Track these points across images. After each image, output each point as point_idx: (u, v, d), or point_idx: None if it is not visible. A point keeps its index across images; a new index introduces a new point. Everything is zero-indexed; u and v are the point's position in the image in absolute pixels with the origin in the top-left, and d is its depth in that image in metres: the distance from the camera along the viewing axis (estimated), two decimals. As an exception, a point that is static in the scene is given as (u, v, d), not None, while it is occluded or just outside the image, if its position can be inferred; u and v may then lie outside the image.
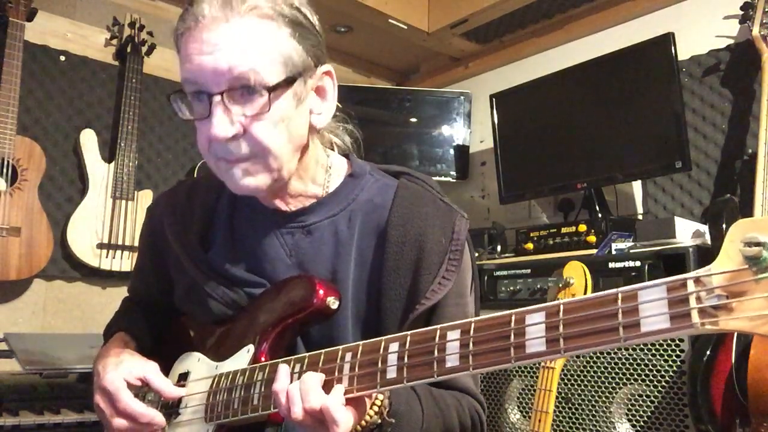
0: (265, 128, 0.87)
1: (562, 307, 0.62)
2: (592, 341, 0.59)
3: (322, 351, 0.81)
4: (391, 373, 0.73)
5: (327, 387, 0.78)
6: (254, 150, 0.88)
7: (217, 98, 0.86)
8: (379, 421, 0.83)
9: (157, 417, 0.93)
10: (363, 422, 0.81)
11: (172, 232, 1.06)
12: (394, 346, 0.74)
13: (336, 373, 0.78)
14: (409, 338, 0.73)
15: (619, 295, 0.58)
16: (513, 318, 0.65)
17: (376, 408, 0.82)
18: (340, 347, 0.80)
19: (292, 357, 0.85)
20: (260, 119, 0.87)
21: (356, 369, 0.76)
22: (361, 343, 0.78)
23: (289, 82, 0.88)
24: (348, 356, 0.78)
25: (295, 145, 0.92)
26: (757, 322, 0.51)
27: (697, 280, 0.54)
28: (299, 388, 0.78)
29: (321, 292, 0.90)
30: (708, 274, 0.54)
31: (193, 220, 1.06)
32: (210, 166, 0.94)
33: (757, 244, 0.51)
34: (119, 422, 0.93)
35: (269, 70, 0.86)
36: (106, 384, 0.93)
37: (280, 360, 0.86)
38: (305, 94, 0.92)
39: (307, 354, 0.83)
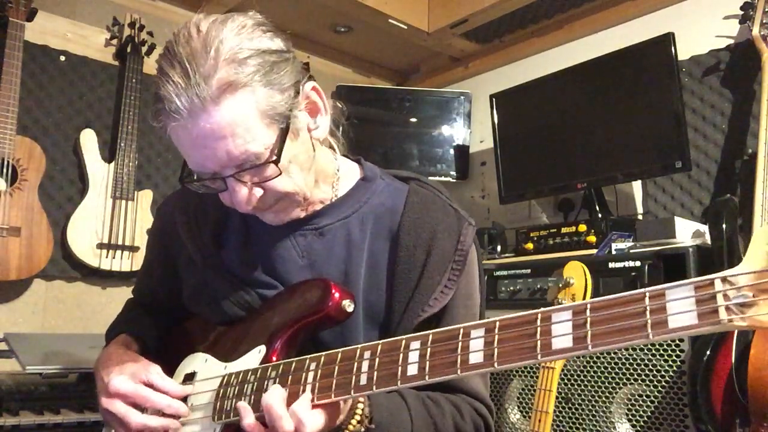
0: (281, 181, 0.91)
1: (589, 305, 0.64)
2: (620, 337, 0.61)
3: (340, 350, 0.81)
4: (413, 371, 0.73)
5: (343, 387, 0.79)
6: (279, 197, 0.93)
7: (230, 178, 0.89)
8: (363, 429, 0.84)
9: (182, 407, 0.95)
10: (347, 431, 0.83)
11: (186, 230, 1.07)
12: (415, 344, 0.75)
13: (354, 371, 0.78)
14: (431, 337, 0.74)
15: (647, 294, 0.60)
16: (539, 316, 0.67)
17: (357, 417, 0.84)
18: (359, 346, 0.80)
19: (308, 356, 0.84)
20: (275, 177, 0.90)
21: (375, 368, 0.76)
22: (380, 342, 0.78)
23: (284, 132, 0.88)
24: (367, 354, 0.78)
25: (308, 169, 0.96)
26: None
27: (724, 280, 0.56)
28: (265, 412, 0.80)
29: (336, 295, 0.90)
30: (735, 274, 0.56)
31: (206, 219, 1.07)
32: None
33: None
34: (139, 420, 0.93)
35: (264, 139, 0.87)
36: (118, 386, 0.94)
37: (294, 359, 0.86)
38: (300, 123, 0.93)
39: (323, 353, 0.83)
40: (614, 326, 0.61)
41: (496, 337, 0.68)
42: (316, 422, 0.78)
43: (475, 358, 0.69)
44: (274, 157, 0.87)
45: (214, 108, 0.83)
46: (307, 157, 0.95)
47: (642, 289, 0.61)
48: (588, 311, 0.63)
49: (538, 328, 0.66)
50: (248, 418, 0.83)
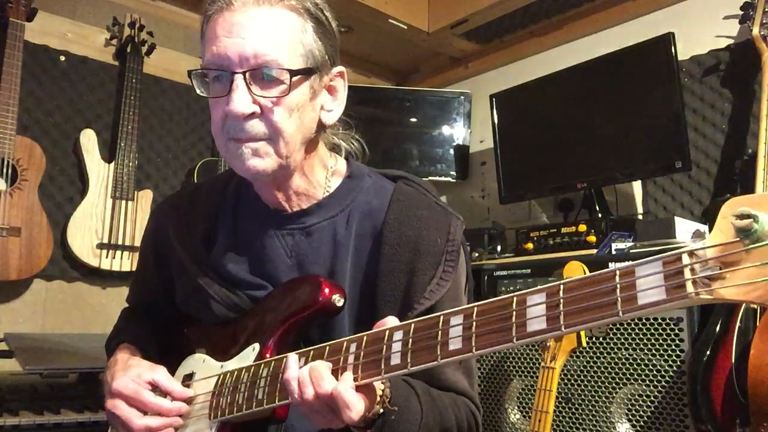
0: (281, 112, 0.91)
1: (562, 286, 0.64)
2: (591, 316, 0.61)
3: (326, 344, 0.82)
4: (395, 359, 0.74)
5: (334, 375, 0.78)
6: (267, 131, 0.91)
7: (239, 77, 0.89)
8: (382, 409, 0.83)
9: (183, 408, 0.96)
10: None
11: (176, 235, 1.07)
12: (398, 335, 0.75)
13: (341, 364, 0.79)
14: (412, 326, 0.75)
15: (617, 272, 0.60)
16: (515, 300, 0.67)
17: (377, 398, 0.83)
18: (345, 339, 0.81)
19: (296, 351, 0.85)
20: (278, 103, 0.90)
21: (361, 358, 0.77)
22: (365, 333, 0.79)
23: (308, 72, 0.92)
24: (353, 347, 0.79)
25: (303, 135, 0.95)
26: (748, 288, 0.53)
27: (691, 253, 0.56)
28: (309, 375, 0.78)
29: (327, 290, 0.91)
30: (702, 248, 0.56)
31: (197, 223, 1.07)
32: (220, 148, 0.96)
33: (748, 216, 0.53)
34: (142, 423, 0.93)
35: (292, 59, 0.90)
36: (121, 388, 0.95)
37: (284, 356, 0.86)
38: (319, 89, 0.96)
39: (311, 348, 0.84)
40: (585, 305, 0.61)
41: (474, 322, 0.69)
42: (360, 403, 0.77)
43: (455, 344, 0.70)
44: (291, 73, 0.89)
45: (268, 7, 0.89)
46: (308, 128, 0.96)
47: (613, 267, 0.61)
48: (561, 292, 0.64)
49: (514, 312, 0.66)
50: (292, 371, 0.80)
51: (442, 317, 0.72)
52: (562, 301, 0.63)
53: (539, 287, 0.66)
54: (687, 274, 0.56)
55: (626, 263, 0.60)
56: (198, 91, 0.94)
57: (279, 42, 0.89)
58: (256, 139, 0.91)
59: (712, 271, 0.55)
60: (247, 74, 0.88)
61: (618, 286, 0.60)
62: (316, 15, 0.94)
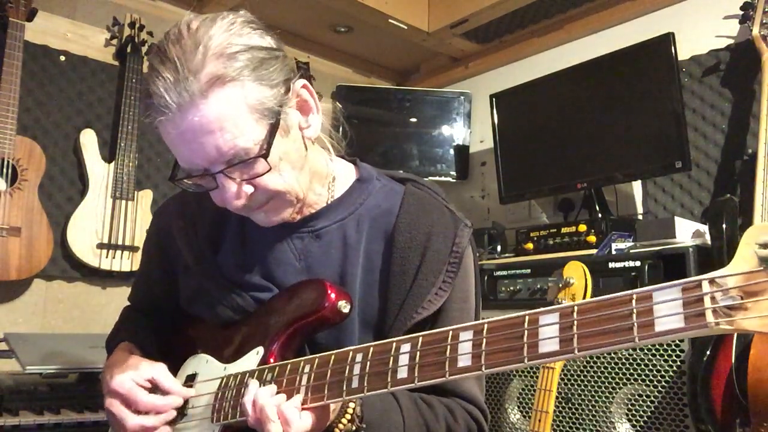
0: (271, 177, 0.90)
1: (576, 308, 0.62)
2: (606, 341, 0.59)
3: (333, 352, 0.82)
4: (402, 373, 0.73)
5: (340, 386, 0.79)
6: (270, 196, 0.92)
7: (219, 174, 0.88)
8: (354, 428, 0.84)
9: (177, 402, 0.96)
10: (337, 430, 0.84)
11: (182, 235, 1.07)
12: (405, 347, 0.74)
13: (346, 373, 0.78)
14: (420, 339, 0.74)
15: (634, 296, 0.59)
16: (526, 319, 0.66)
17: (348, 416, 0.84)
18: (351, 348, 0.80)
19: (302, 358, 0.85)
20: (264, 173, 0.89)
21: (366, 369, 0.76)
22: (371, 344, 0.78)
23: (273, 128, 0.88)
24: (359, 357, 0.78)
25: (299, 168, 0.94)
26: None
27: (711, 281, 0.55)
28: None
29: (333, 295, 0.90)
30: (723, 276, 0.54)
31: (203, 223, 1.07)
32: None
33: None
34: (137, 421, 0.93)
35: (253, 132, 0.86)
36: (116, 387, 0.94)
37: (289, 361, 0.86)
38: (290, 121, 0.92)
39: (317, 355, 0.83)
40: (600, 329, 0.60)
41: (484, 339, 0.68)
42: (304, 424, 0.79)
43: (464, 361, 0.69)
44: (263, 152, 0.86)
45: (202, 102, 0.83)
46: (299, 156, 0.94)
47: (629, 291, 0.59)
48: (575, 314, 0.62)
49: (526, 331, 0.65)
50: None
51: (451, 332, 0.71)
52: (576, 322, 0.61)
53: (551, 307, 0.64)
54: (707, 302, 0.54)
55: (643, 288, 0.58)
56: (190, 190, 0.96)
57: (233, 128, 0.84)
58: (264, 204, 0.93)
59: (733, 301, 0.53)
60: (224, 170, 0.87)
61: (635, 310, 0.58)
62: (249, 61, 0.85)
